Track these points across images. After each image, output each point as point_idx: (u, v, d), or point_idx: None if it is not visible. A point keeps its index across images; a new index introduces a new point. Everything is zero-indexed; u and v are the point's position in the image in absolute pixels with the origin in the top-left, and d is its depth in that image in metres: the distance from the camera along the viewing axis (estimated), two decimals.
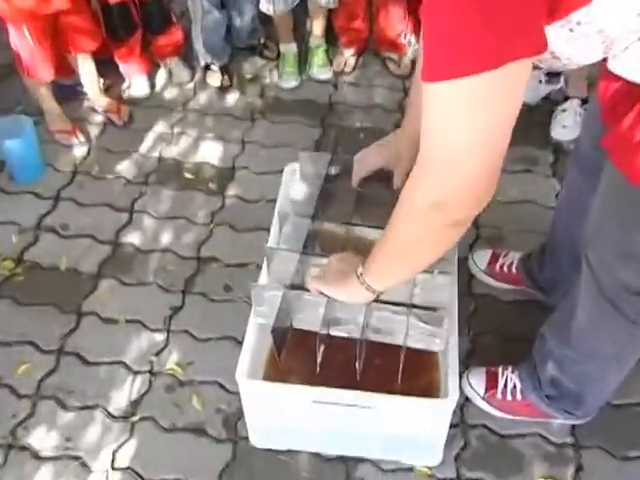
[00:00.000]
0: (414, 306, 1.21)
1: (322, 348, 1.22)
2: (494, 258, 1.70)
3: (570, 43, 0.83)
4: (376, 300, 1.13)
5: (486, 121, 0.77)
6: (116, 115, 2.16)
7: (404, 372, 1.23)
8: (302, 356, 1.29)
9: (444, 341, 1.21)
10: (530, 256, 1.63)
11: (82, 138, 2.10)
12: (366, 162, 1.32)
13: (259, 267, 1.37)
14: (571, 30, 0.81)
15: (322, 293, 1.16)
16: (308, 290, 1.20)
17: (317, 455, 1.42)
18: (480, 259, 1.71)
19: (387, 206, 1.07)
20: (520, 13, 0.71)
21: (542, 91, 2.13)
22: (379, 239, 1.01)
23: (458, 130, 0.78)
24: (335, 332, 1.23)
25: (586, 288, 1.18)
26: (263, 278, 1.32)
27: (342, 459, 1.41)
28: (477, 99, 0.75)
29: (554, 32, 0.81)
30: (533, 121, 2.07)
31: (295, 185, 1.41)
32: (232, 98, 2.27)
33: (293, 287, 1.22)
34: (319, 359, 1.23)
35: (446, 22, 0.73)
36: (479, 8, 0.70)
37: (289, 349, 1.24)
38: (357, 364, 1.19)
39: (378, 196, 1.28)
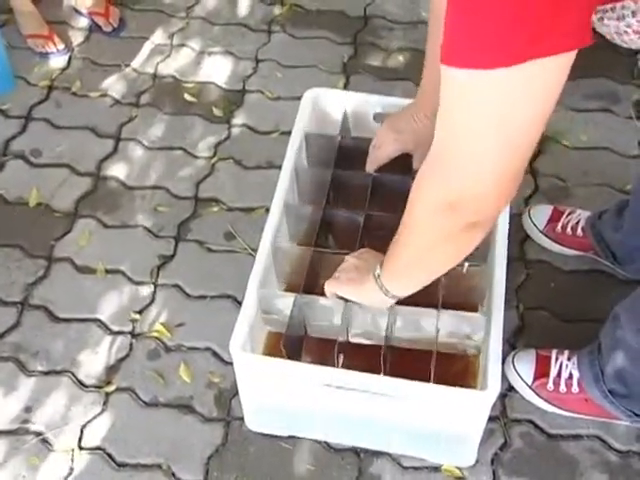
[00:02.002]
0: (444, 305, 1.25)
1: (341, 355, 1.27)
2: (555, 216, 1.64)
3: None
4: (399, 302, 1.18)
5: (512, 121, 0.77)
6: (104, 19, 2.11)
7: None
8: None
9: (480, 345, 1.24)
10: (602, 216, 1.57)
11: (61, 46, 2.06)
12: (383, 152, 1.39)
13: (268, 212, 1.35)
14: None
15: (340, 297, 1.23)
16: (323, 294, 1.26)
17: (325, 445, 1.39)
18: (538, 216, 1.65)
19: (406, 191, 1.18)
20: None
21: None
22: (394, 240, 1.04)
23: (479, 127, 0.78)
24: (355, 339, 1.30)
25: None
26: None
27: (354, 451, 1.39)
28: (502, 95, 0.74)
29: None
30: (616, 46, 1.92)
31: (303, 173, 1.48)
32: (246, 4, 2.22)
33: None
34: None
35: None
36: None
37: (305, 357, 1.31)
38: (382, 367, 1.21)
39: (396, 181, 1.36)
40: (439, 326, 1.23)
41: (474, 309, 1.34)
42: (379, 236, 1.28)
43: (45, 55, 2.04)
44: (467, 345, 1.27)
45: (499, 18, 0.69)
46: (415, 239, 0.97)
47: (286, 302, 1.28)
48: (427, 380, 1.17)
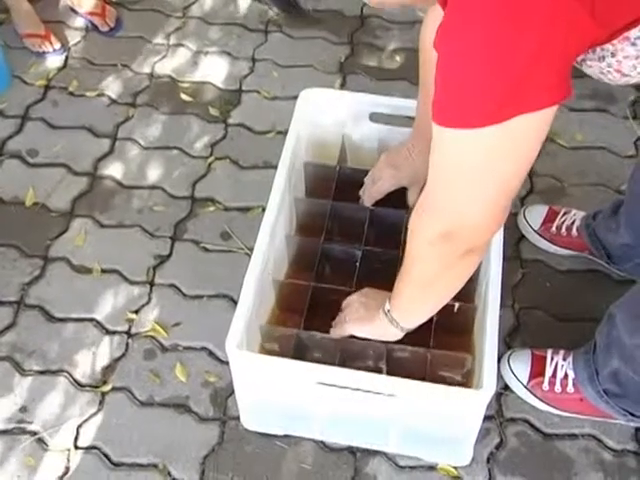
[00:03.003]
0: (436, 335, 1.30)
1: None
2: (551, 216, 1.64)
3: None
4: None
5: (500, 169, 0.85)
6: (100, 19, 2.10)
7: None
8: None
9: (466, 379, 1.30)
10: (596, 216, 1.57)
11: (58, 45, 2.05)
12: (380, 188, 1.44)
13: (264, 211, 1.35)
14: (634, 44, 0.85)
15: (352, 336, 1.26)
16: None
17: (321, 444, 1.39)
18: (533, 216, 1.65)
19: (402, 225, 1.38)
20: (536, 61, 0.74)
21: None
22: (399, 274, 1.11)
23: (468, 177, 0.86)
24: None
25: None
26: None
27: (350, 450, 1.38)
28: (490, 149, 0.82)
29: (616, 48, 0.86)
30: None
31: (302, 204, 1.53)
32: (242, 4, 2.22)
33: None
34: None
35: (455, 65, 0.78)
36: (490, 54, 0.75)
37: None
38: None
39: (392, 215, 1.44)
40: (428, 363, 1.28)
41: (464, 340, 1.37)
42: (376, 269, 1.40)
43: (42, 55, 2.03)
44: (454, 379, 1.29)
45: (482, 81, 0.76)
46: (417, 271, 1.04)
47: (287, 337, 1.31)
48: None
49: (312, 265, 1.41)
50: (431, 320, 1.36)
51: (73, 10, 2.14)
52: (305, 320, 1.34)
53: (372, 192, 1.45)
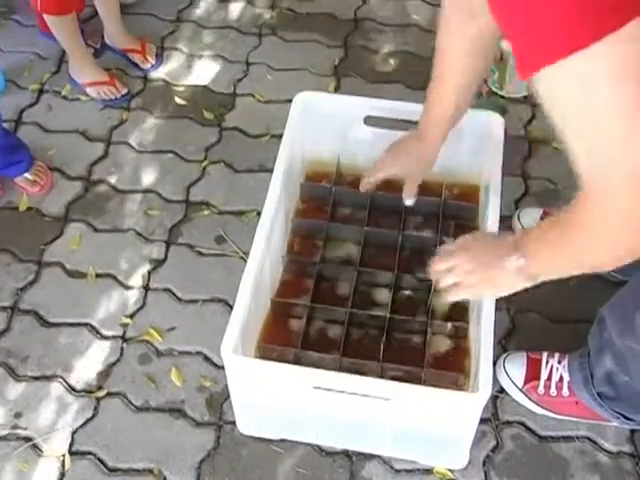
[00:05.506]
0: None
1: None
2: (545, 218, 1.60)
3: None
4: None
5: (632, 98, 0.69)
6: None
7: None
8: None
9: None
10: None
11: (125, 90, 1.97)
12: (377, 175, 1.42)
13: (259, 215, 1.35)
14: None
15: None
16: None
17: (316, 448, 1.38)
18: (528, 219, 1.64)
19: (395, 248, 1.44)
20: None
21: None
22: (545, 229, 0.98)
23: (608, 112, 0.70)
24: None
25: None
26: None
27: (346, 454, 1.38)
28: (612, 71, 0.68)
29: None
30: None
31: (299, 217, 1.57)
32: (236, 8, 2.22)
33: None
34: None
35: None
36: None
37: None
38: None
39: (388, 236, 1.49)
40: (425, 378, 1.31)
41: (460, 343, 1.39)
42: (372, 283, 1.46)
43: (108, 102, 1.94)
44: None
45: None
46: (581, 250, 0.91)
47: (285, 355, 1.35)
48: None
49: (309, 276, 1.43)
50: (426, 323, 1.37)
51: None
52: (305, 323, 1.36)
53: (370, 178, 1.44)
